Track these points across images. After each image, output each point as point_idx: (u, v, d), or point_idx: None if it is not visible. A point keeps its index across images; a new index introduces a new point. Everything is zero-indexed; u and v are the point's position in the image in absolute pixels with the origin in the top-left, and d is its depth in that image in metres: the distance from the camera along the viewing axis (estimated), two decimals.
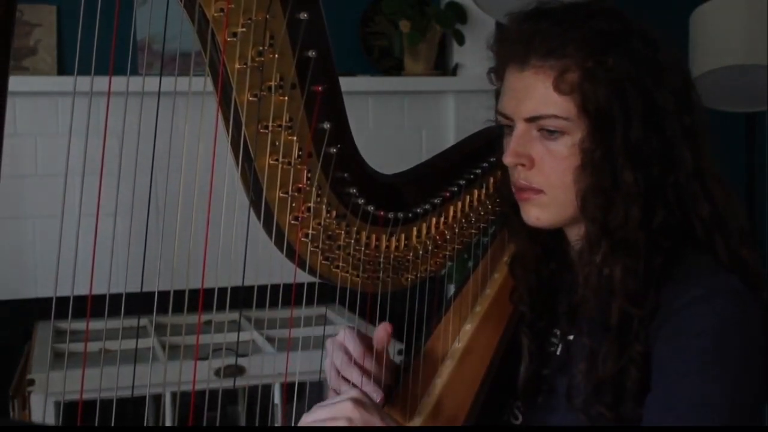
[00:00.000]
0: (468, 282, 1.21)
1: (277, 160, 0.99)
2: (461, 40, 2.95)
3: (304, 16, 0.96)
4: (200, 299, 1.00)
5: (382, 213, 1.07)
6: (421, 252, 1.13)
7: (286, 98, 0.98)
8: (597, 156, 0.96)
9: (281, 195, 1.01)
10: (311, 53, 0.97)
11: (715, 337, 0.92)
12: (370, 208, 1.06)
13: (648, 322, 0.95)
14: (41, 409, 2.04)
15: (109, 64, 0.88)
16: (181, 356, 2.08)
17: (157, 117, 0.95)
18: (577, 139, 0.98)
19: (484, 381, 1.09)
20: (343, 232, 1.06)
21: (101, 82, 0.87)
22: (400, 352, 2.21)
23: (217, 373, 2.11)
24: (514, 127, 1.01)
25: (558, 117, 0.97)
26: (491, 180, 1.16)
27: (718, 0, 2.64)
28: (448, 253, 1.16)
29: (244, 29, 0.94)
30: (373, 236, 1.09)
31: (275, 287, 1.05)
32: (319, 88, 0.99)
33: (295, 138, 1.00)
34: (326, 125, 1.00)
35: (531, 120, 0.99)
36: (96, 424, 1.13)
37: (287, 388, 2.21)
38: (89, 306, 0.92)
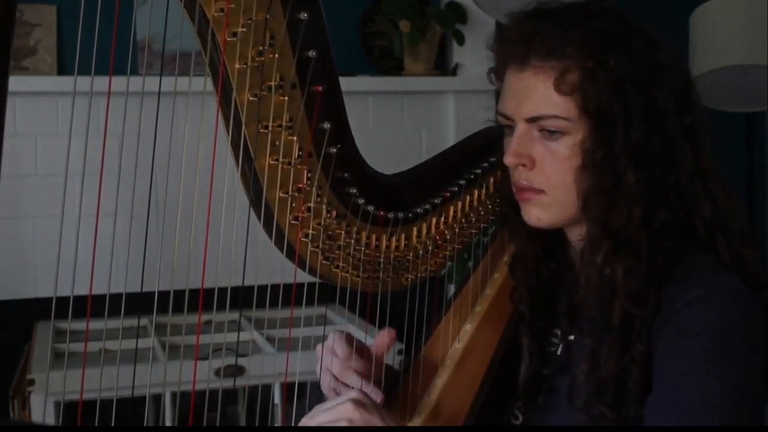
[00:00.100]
0: (468, 282, 1.21)
1: (277, 160, 0.99)
2: (461, 40, 2.95)
3: (304, 16, 0.96)
4: (200, 299, 1.00)
5: (382, 213, 1.07)
6: (421, 252, 1.13)
7: (286, 98, 0.98)
8: (598, 156, 0.96)
9: (281, 195, 1.01)
10: (311, 53, 0.97)
11: (715, 336, 0.92)
12: (370, 208, 1.06)
13: (649, 322, 0.95)
14: (41, 409, 2.04)
15: (109, 64, 0.88)
16: (181, 356, 2.08)
17: (157, 117, 0.95)
18: (578, 139, 0.98)
19: (484, 381, 1.09)
20: (343, 232, 1.06)
21: (101, 82, 0.87)
22: (400, 352, 2.21)
23: (217, 373, 2.11)
24: (514, 128, 1.01)
25: (559, 117, 0.97)
26: (491, 180, 1.16)
27: (718, 0, 2.64)
28: (448, 253, 1.16)
29: (244, 29, 0.94)
30: (373, 236, 1.09)
31: (275, 287, 1.05)
32: (319, 88, 0.99)
33: (295, 138, 1.00)
34: (326, 125, 1.00)
35: (532, 120, 0.99)
36: (96, 424, 1.13)
37: (287, 388, 2.21)
38: (89, 306, 0.92)
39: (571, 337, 1.07)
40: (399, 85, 3.02)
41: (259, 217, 1.01)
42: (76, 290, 0.89)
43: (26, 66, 2.74)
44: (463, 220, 1.15)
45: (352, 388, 1.06)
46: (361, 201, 1.05)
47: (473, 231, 1.17)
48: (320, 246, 1.05)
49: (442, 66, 3.10)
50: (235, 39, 0.94)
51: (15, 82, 0.72)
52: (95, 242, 0.95)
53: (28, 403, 2.07)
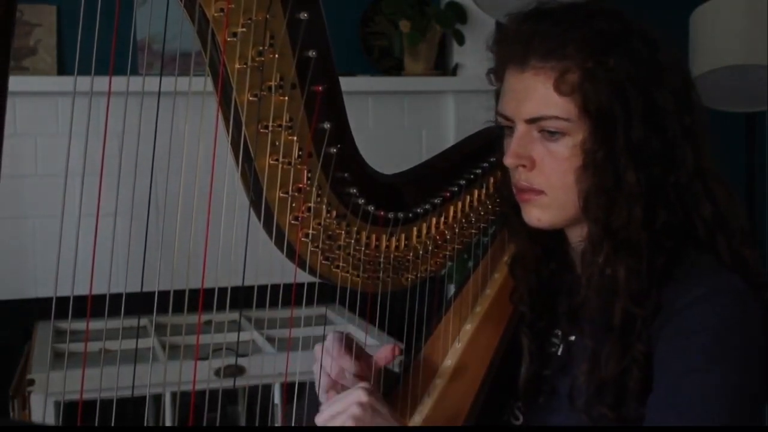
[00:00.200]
0: (468, 282, 1.21)
1: (277, 160, 0.99)
2: (461, 40, 2.95)
3: (304, 16, 0.96)
4: (200, 299, 1.00)
5: (382, 213, 1.07)
6: (421, 252, 1.13)
7: (286, 98, 0.98)
8: (599, 156, 0.96)
9: (281, 195, 1.01)
10: (311, 53, 0.97)
11: (716, 336, 0.92)
12: (371, 208, 1.06)
13: (650, 322, 0.95)
14: (41, 409, 2.04)
15: (109, 64, 0.88)
16: (181, 356, 2.08)
17: (157, 117, 0.95)
18: (578, 139, 0.97)
19: (484, 381, 1.09)
20: (343, 232, 1.06)
21: (101, 82, 0.87)
22: (400, 352, 2.21)
23: (217, 373, 2.11)
24: (514, 129, 1.01)
25: (559, 118, 0.97)
26: (491, 180, 1.16)
27: (718, 0, 2.64)
28: (448, 253, 1.16)
29: (244, 29, 0.94)
30: (373, 236, 1.09)
31: (275, 287, 1.05)
32: (319, 88, 0.99)
33: (295, 138, 1.00)
34: (326, 125, 1.00)
35: (531, 121, 0.99)
36: (96, 424, 1.13)
37: (287, 388, 2.21)
38: (89, 306, 0.92)
39: (572, 338, 1.07)
40: (399, 85, 3.01)
41: (259, 217, 1.01)
42: (76, 290, 0.89)
43: (26, 66, 2.74)
44: (463, 220, 1.15)
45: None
46: (361, 201, 1.05)
47: (473, 231, 1.17)
48: (320, 246, 1.05)
49: (442, 66, 3.10)
50: (235, 39, 0.94)
51: (15, 82, 0.72)
52: (95, 242, 0.95)
53: (28, 403, 2.07)
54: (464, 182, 1.14)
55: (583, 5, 1.01)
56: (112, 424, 1.04)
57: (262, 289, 1.07)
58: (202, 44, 0.95)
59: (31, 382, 2.07)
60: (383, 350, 1.11)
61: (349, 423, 0.95)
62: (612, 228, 0.97)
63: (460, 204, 1.15)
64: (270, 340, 2.42)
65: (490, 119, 1.10)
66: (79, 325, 1.93)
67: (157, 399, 2.28)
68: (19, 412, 2.12)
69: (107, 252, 0.96)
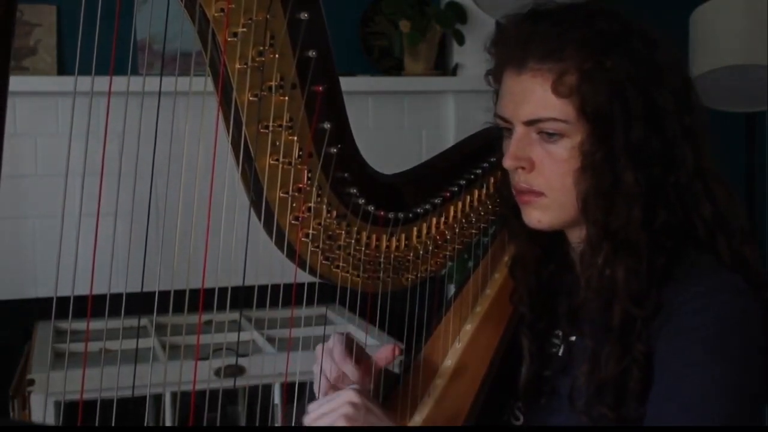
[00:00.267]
0: (468, 282, 1.21)
1: (277, 160, 0.99)
2: (461, 40, 2.95)
3: (304, 16, 0.96)
4: (200, 299, 1.00)
5: (382, 213, 1.07)
6: (421, 252, 1.13)
7: (287, 98, 0.98)
8: (597, 158, 0.96)
9: (282, 195, 1.01)
10: (311, 53, 0.97)
11: (715, 333, 0.92)
12: (371, 208, 1.06)
13: (650, 321, 0.95)
14: (41, 409, 2.04)
15: (109, 64, 0.88)
16: (182, 356, 2.08)
17: (158, 117, 0.95)
18: (576, 141, 0.97)
19: (484, 381, 1.09)
20: (343, 232, 1.06)
21: (101, 82, 0.87)
22: (400, 352, 2.21)
23: (217, 373, 2.11)
24: (513, 130, 1.01)
25: (557, 120, 0.97)
26: (491, 180, 1.16)
27: (718, 0, 2.64)
28: (448, 253, 1.16)
29: (244, 29, 0.94)
30: (374, 236, 1.09)
31: (275, 287, 1.05)
32: (320, 88, 0.99)
33: (295, 138, 1.00)
34: (326, 125, 1.00)
35: (530, 123, 0.99)
36: (96, 424, 1.13)
37: (287, 388, 2.21)
38: (89, 306, 0.92)
39: (573, 338, 1.07)
40: (399, 85, 3.01)
41: (259, 217, 1.01)
42: (77, 290, 0.89)
43: (26, 66, 2.74)
44: (464, 220, 1.15)
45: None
46: (361, 201, 1.05)
47: (473, 231, 1.17)
48: (320, 246, 1.05)
49: (442, 66, 3.10)
50: (235, 39, 0.94)
51: (15, 82, 0.72)
52: (95, 242, 0.95)
53: (28, 403, 2.07)
54: (464, 182, 1.14)
55: (580, 5, 1.01)
56: (112, 424, 1.04)
57: (262, 289, 1.07)
58: (203, 44, 0.95)
59: (31, 382, 2.07)
60: (383, 350, 1.11)
61: (340, 422, 0.95)
62: (611, 229, 0.97)
63: (460, 204, 1.15)
64: (270, 340, 2.42)
65: (489, 120, 1.10)
66: (80, 325, 1.93)
67: (157, 399, 2.28)
68: (19, 412, 2.12)
69: (107, 252, 0.96)
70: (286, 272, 1.03)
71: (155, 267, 0.97)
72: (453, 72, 3.07)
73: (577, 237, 1.05)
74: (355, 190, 1.05)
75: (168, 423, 2.18)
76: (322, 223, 1.04)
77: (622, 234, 0.96)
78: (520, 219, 1.05)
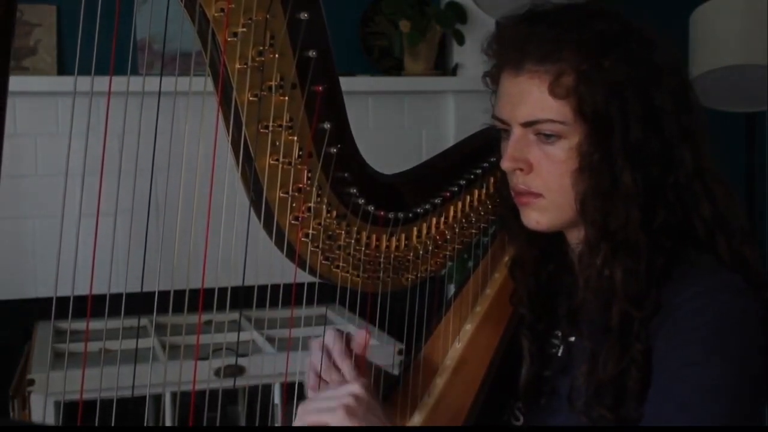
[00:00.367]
0: (468, 282, 1.21)
1: (277, 160, 0.99)
2: (461, 40, 2.95)
3: (304, 15, 0.96)
4: (200, 299, 1.00)
5: (382, 213, 1.07)
6: (421, 252, 1.13)
7: (287, 98, 0.98)
8: (595, 159, 0.96)
9: (281, 195, 1.01)
10: (311, 53, 0.97)
11: (714, 333, 0.92)
12: (371, 208, 1.06)
13: (648, 321, 0.95)
14: (41, 409, 2.04)
15: (109, 64, 0.88)
16: (181, 356, 2.08)
17: (158, 117, 0.95)
18: (574, 142, 0.97)
19: (484, 381, 1.09)
20: (343, 232, 1.06)
21: (101, 82, 0.87)
22: (400, 352, 2.21)
23: (217, 373, 2.11)
24: (510, 132, 1.01)
25: (554, 121, 0.97)
26: (491, 180, 1.16)
27: (717, 0, 2.64)
28: (448, 253, 1.16)
29: (244, 29, 0.94)
30: (374, 236, 1.09)
31: (275, 287, 1.05)
32: (320, 88, 0.99)
33: (295, 138, 1.00)
34: (326, 125, 1.01)
35: (527, 125, 0.99)
36: (96, 424, 1.13)
37: (287, 388, 2.21)
38: (89, 306, 0.92)
39: (572, 339, 1.07)
40: (399, 85, 3.01)
41: (259, 217, 1.01)
42: (76, 290, 0.89)
43: (26, 66, 2.74)
44: (463, 220, 1.15)
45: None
46: (361, 201, 1.05)
47: (473, 231, 1.17)
48: (320, 246, 1.05)
49: (442, 66, 3.10)
50: (235, 39, 0.94)
51: (15, 82, 0.72)
52: (95, 242, 0.95)
53: (28, 403, 2.07)
54: (464, 182, 1.14)
55: (577, 6, 1.01)
56: (112, 424, 1.04)
57: (262, 289, 1.07)
58: (203, 44, 0.95)
59: (31, 382, 2.07)
60: (355, 340, 1.10)
61: (340, 413, 0.95)
62: (609, 230, 0.97)
63: (460, 204, 1.15)
64: (270, 340, 2.42)
65: (489, 121, 1.10)
66: (79, 325, 1.93)
67: (157, 399, 2.28)
68: (19, 412, 2.12)
69: (107, 252, 0.96)
70: (286, 272, 1.03)
71: (155, 267, 0.97)
72: (453, 72, 3.07)
73: (576, 238, 1.05)
74: (355, 190, 1.05)
75: (168, 423, 2.18)
76: (322, 223, 1.04)
77: (621, 235, 0.96)
78: (519, 220, 1.05)
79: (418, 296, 1.15)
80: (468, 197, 1.15)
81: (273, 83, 0.97)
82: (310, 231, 1.04)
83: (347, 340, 1.10)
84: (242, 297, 1.09)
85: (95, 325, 1.19)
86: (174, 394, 2.18)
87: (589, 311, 1.00)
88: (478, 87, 1.09)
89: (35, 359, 2.23)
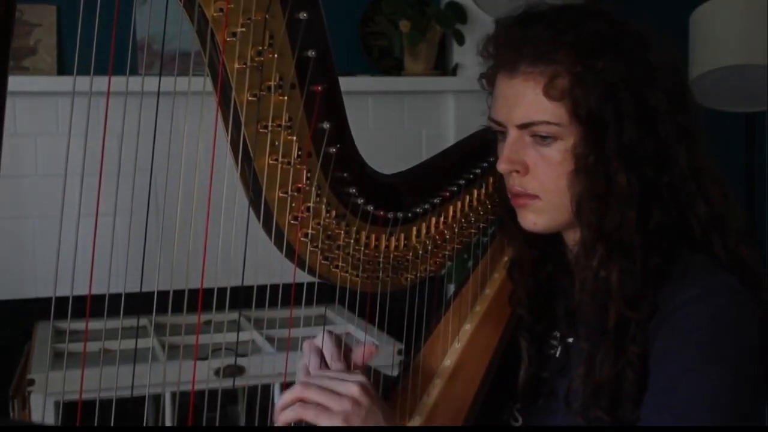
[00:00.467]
0: (467, 282, 1.21)
1: (276, 159, 0.99)
2: (461, 40, 2.95)
3: (303, 15, 0.96)
4: (200, 299, 1.00)
5: (381, 213, 1.07)
6: (420, 252, 1.13)
7: (286, 98, 0.98)
8: (590, 161, 0.96)
9: (281, 195, 1.01)
10: (311, 53, 0.97)
11: (711, 336, 0.92)
12: (370, 207, 1.06)
13: (645, 323, 0.95)
14: (41, 409, 2.04)
15: (108, 64, 0.88)
16: (181, 356, 2.08)
17: (157, 117, 0.95)
18: (569, 144, 0.97)
19: (483, 381, 1.09)
20: (342, 231, 1.06)
21: (101, 82, 0.87)
22: (400, 352, 2.21)
23: (217, 373, 2.11)
24: (506, 134, 1.01)
25: (550, 123, 0.97)
26: (491, 180, 1.16)
27: (717, 0, 2.64)
28: (447, 253, 1.16)
29: (243, 29, 0.94)
30: (373, 236, 1.09)
31: (275, 287, 1.05)
32: (319, 88, 0.99)
33: (294, 138, 1.00)
34: (326, 125, 1.00)
35: (523, 126, 0.99)
36: (96, 424, 1.13)
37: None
38: (89, 306, 0.93)
39: (570, 340, 1.07)
40: (399, 85, 3.01)
41: (258, 217, 1.01)
42: (76, 290, 0.89)
43: (26, 66, 2.73)
44: (463, 220, 1.15)
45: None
46: (360, 201, 1.05)
47: (473, 231, 1.17)
48: (320, 246, 1.05)
49: (442, 66, 3.10)
50: (234, 39, 0.94)
51: (15, 82, 0.72)
52: (95, 242, 0.95)
53: (28, 403, 2.07)
54: (464, 182, 1.14)
55: (572, 7, 1.00)
56: (112, 424, 1.04)
57: (262, 289, 1.07)
58: (202, 44, 0.95)
59: (31, 382, 2.07)
60: (360, 351, 1.10)
61: (338, 420, 0.95)
62: (605, 231, 0.97)
63: (459, 204, 1.15)
64: (270, 340, 2.42)
65: (485, 123, 1.10)
66: (79, 325, 1.93)
67: (157, 399, 2.28)
68: (19, 412, 2.12)
69: (107, 252, 0.96)
70: (286, 272, 1.03)
71: (154, 267, 0.97)
72: (453, 72, 3.07)
73: (573, 239, 1.05)
74: (354, 190, 1.05)
75: (167, 423, 2.18)
76: (322, 222, 1.04)
77: (616, 236, 0.96)
78: (517, 222, 1.05)
79: (418, 296, 1.15)
80: (467, 197, 1.15)
81: (272, 83, 0.97)
82: (310, 231, 1.04)
83: (337, 340, 1.09)
84: (242, 297, 1.09)
85: (95, 325, 1.19)
86: (173, 394, 2.19)
87: (586, 313, 0.99)
88: (478, 87, 1.09)
89: (35, 359, 2.23)
